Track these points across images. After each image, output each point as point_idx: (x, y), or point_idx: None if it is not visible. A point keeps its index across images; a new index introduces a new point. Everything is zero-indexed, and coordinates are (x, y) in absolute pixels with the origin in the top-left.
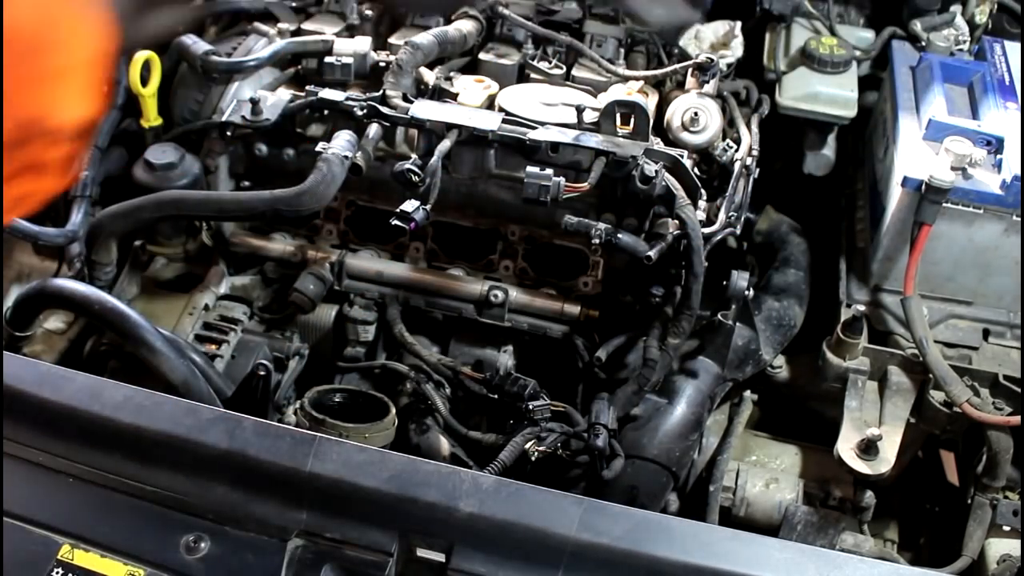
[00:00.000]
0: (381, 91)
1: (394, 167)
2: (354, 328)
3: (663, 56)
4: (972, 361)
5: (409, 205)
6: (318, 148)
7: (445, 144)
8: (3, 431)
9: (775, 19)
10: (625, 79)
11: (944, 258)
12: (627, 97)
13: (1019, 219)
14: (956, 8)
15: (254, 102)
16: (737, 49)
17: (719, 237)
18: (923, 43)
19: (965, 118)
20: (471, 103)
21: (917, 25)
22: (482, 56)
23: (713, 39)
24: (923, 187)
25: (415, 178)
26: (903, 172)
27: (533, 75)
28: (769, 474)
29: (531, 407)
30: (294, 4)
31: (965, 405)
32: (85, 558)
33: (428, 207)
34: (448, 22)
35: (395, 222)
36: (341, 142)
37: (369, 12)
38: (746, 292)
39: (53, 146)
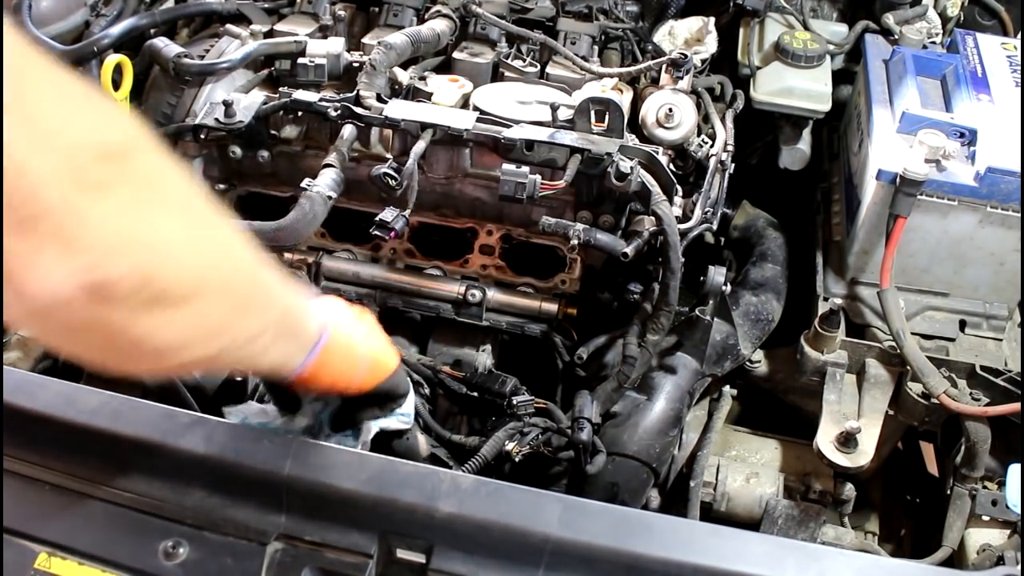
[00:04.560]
0: (355, 92)
1: (371, 171)
2: None
3: (637, 53)
4: (949, 352)
5: (388, 213)
6: (303, 184)
7: (420, 144)
8: None
9: (748, 14)
10: (599, 76)
11: (920, 250)
12: (601, 94)
13: (993, 210)
14: (928, 1)
15: (227, 104)
16: (711, 45)
17: (696, 233)
18: (896, 36)
19: (938, 111)
20: (445, 102)
21: (890, 19)
22: (456, 55)
23: (687, 35)
24: (897, 180)
25: (392, 182)
26: (877, 165)
27: (507, 73)
28: (749, 469)
29: (514, 402)
30: (266, 5)
31: (943, 396)
32: (63, 566)
33: (407, 213)
34: (421, 21)
35: (375, 231)
36: (326, 180)
37: (342, 13)
38: (724, 287)
39: None
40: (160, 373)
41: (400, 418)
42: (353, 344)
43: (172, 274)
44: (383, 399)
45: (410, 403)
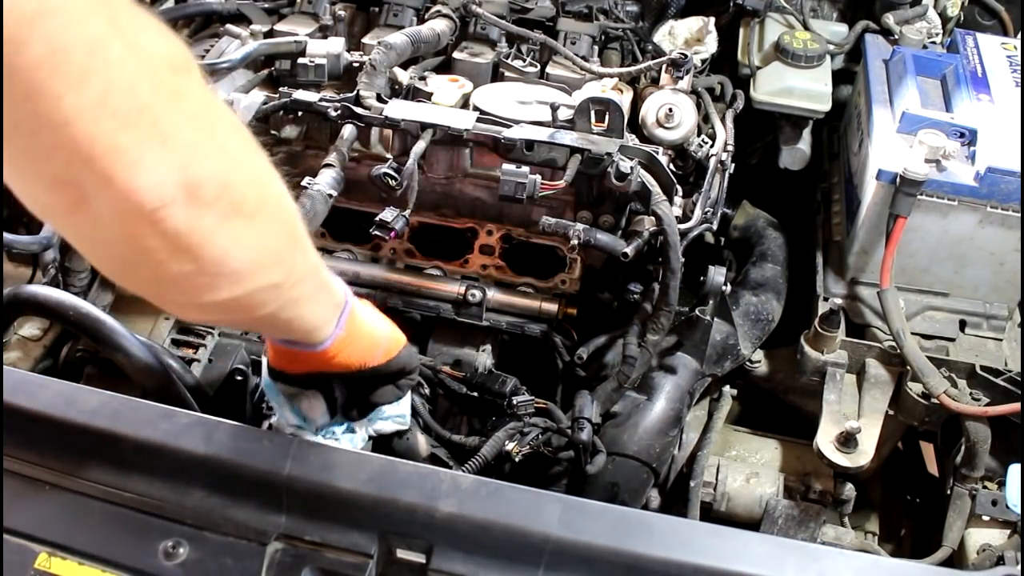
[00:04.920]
0: (355, 92)
1: (371, 171)
2: None
3: (637, 53)
4: (949, 352)
5: (388, 213)
6: (303, 183)
7: (420, 144)
8: None
9: (749, 14)
10: (599, 76)
11: (920, 250)
12: (601, 94)
13: (993, 210)
14: (928, 1)
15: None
16: (711, 45)
17: (696, 233)
18: (896, 36)
19: (938, 111)
20: (445, 102)
21: (890, 19)
22: (456, 55)
23: (687, 35)
24: (897, 180)
25: (392, 182)
26: (877, 165)
27: (507, 73)
28: (749, 468)
29: (514, 402)
30: (266, 5)
31: (943, 396)
32: (62, 566)
33: (407, 213)
34: (421, 21)
35: (375, 231)
36: (327, 178)
37: (342, 13)
38: (724, 287)
39: None
40: (228, 307)
41: (396, 420)
42: (371, 314)
43: (244, 183)
44: (397, 375)
45: (405, 403)
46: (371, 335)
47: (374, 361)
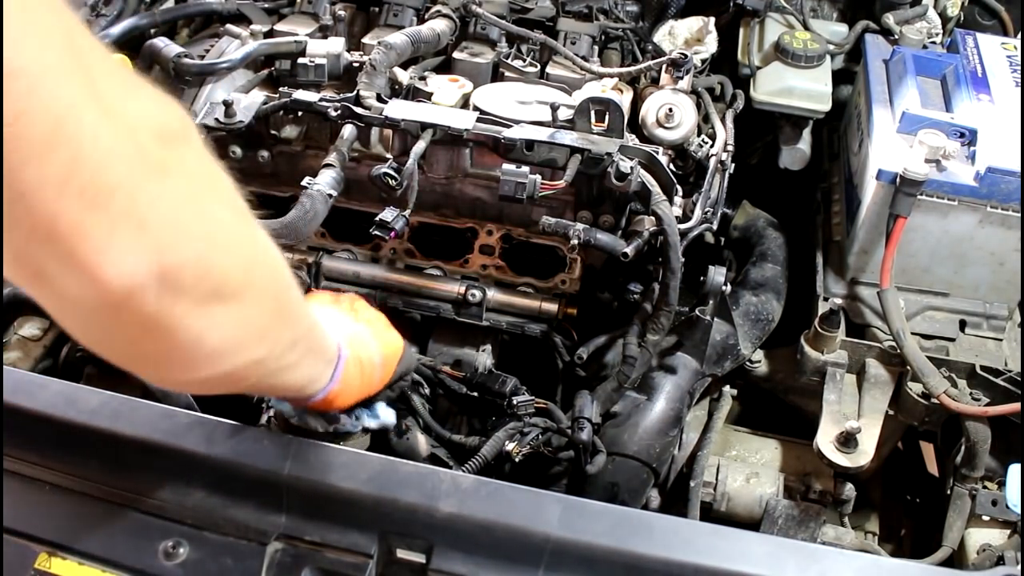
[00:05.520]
0: (355, 92)
1: (371, 171)
2: None
3: (637, 53)
4: (949, 352)
5: (388, 213)
6: (303, 183)
7: (420, 144)
8: None
9: (749, 14)
10: (599, 76)
11: (920, 250)
12: (601, 94)
13: (993, 210)
14: (928, 1)
15: (227, 104)
16: (711, 44)
17: (696, 233)
18: (896, 36)
19: (938, 110)
20: (445, 102)
21: (890, 18)
22: (456, 55)
23: (687, 35)
24: (897, 180)
25: (392, 182)
26: (877, 165)
27: (507, 73)
28: (749, 468)
29: (514, 402)
30: (266, 5)
31: (943, 396)
32: (62, 566)
33: (407, 213)
34: (421, 21)
35: (375, 231)
36: (327, 178)
37: (342, 13)
38: (724, 287)
39: None
40: (207, 384)
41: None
42: (365, 353)
43: (227, 266)
44: (394, 382)
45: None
46: (369, 374)
47: (373, 391)
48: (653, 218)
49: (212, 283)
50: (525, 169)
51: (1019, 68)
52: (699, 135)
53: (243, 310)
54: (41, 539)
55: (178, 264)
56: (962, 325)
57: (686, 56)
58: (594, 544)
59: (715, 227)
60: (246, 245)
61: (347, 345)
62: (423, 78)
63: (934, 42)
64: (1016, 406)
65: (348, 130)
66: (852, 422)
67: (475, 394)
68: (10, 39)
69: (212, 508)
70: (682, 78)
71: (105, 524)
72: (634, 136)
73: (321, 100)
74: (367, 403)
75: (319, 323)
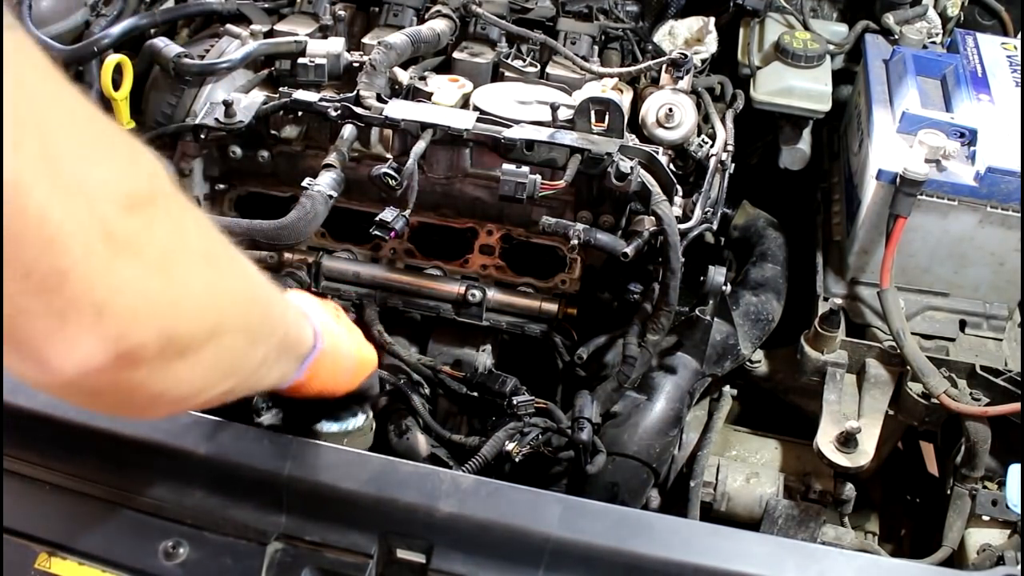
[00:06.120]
0: (355, 92)
1: (371, 171)
2: None
3: (637, 53)
4: (949, 352)
5: (388, 213)
6: (304, 184)
7: (420, 144)
8: None
9: (749, 14)
10: (599, 76)
11: (920, 250)
12: (601, 94)
13: (993, 210)
14: (928, 1)
15: (227, 104)
16: (711, 45)
17: (696, 233)
18: (896, 36)
19: (938, 111)
20: (445, 102)
21: (890, 19)
22: (456, 55)
23: (687, 35)
24: (898, 180)
25: (392, 182)
26: (878, 165)
27: (507, 73)
28: (749, 468)
29: (515, 402)
30: (266, 5)
31: (943, 396)
32: (63, 566)
33: (407, 213)
34: (421, 21)
35: (375, 231)
36: (327, 179)
37: (342, 13)
38: (724, 287)
39: None
40: (181, 412)
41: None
42: (339, 349)
43: (194, 326)
44: (358, 398)
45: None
46: (343, 369)
47: (339, 391)
48: (653, 218)
49: (175, 348)
50: (525, 169)
51: (1019, 68)
52: (699, 135)
53: (211, 352)
54: (41, 539)
55: (139, 344)
56: (962, 325)
57: (686, 56)
58: (594, 544)
59: (715, 227)
60: (219, 294)
61: (324, 336)
62: (423, 78)
63: (934, 42)
64: (1016, 406)
65: (348, 130)
66: (852, 422)
67: (475, 394)
68: None
69: (212, 508)
70: (682, 78)
71: (105, 524)
72: (634, 136)
73: (321, 100)
74: (331, 411)
75: (294, 321)
